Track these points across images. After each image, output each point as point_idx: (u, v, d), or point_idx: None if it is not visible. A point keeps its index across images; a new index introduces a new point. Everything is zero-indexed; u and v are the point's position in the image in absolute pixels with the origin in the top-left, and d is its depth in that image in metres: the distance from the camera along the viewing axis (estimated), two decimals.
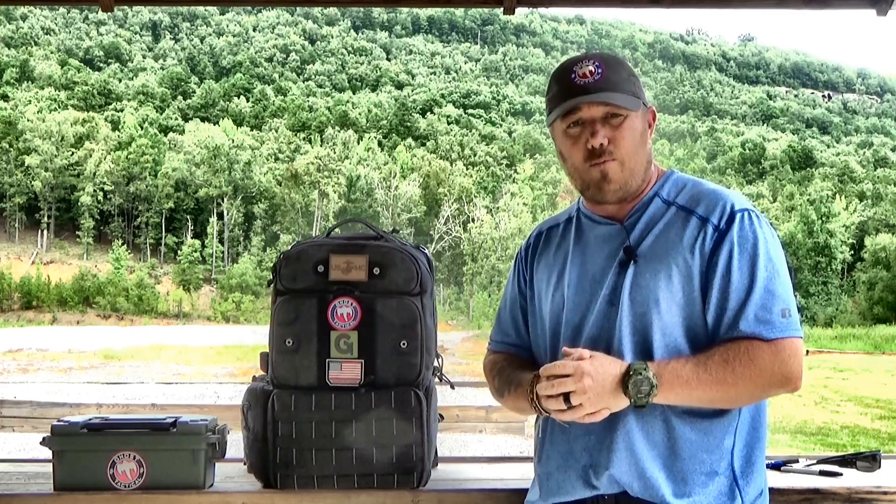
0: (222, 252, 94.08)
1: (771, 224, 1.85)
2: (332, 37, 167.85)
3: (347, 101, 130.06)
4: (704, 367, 1.71)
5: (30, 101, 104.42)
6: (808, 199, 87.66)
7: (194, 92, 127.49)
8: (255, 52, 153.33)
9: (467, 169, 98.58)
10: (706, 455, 1.77)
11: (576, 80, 1.81)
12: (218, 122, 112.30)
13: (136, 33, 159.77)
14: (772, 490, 2.02)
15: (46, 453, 2.24)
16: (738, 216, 1.78)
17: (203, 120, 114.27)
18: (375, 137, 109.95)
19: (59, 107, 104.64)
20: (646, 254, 1.81)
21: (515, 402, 1.92)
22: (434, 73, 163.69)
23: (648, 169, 1.88)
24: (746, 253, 1.76)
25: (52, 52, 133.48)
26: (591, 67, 1.82)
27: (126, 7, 4.44)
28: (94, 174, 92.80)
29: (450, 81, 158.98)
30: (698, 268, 1.77)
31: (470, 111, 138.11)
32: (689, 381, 1.71)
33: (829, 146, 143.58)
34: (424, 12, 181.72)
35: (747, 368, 1.71)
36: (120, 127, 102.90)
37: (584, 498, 1.82)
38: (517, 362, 1.98)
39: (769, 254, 1.77)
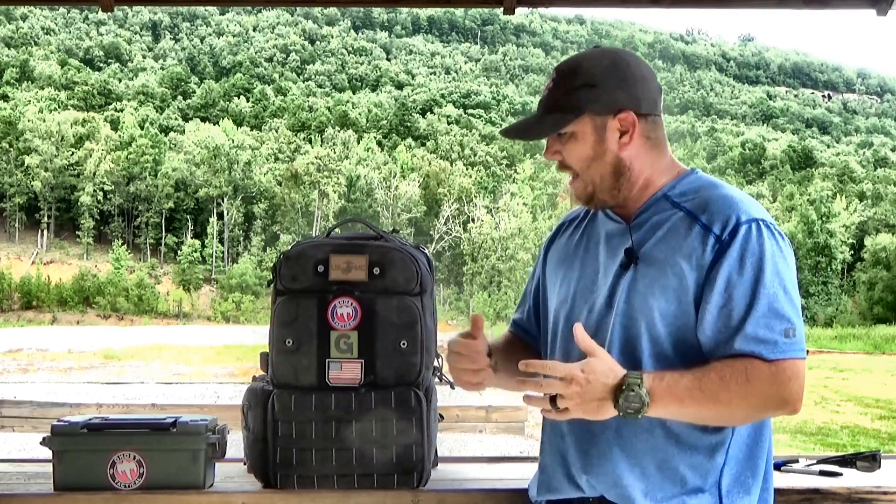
0: (222, 252, 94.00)
1: (783, 235, 1.75)
2: (332, 37, 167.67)
3: (347, 101, 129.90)
4: (699, 385, 1.65)
5: (30, 101, 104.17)
6: (808, 199, 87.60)
7: (194, 92, 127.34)
8: (255, 52, 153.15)
9: (467, 169, 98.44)
10: (690, 470, 1.73)
11: (543, 92, 1.85)
12: (218, 122, 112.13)
13: (136, 33, 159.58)
14: None
15: (46, 453, 2.24)
16: (744, 227, 1.69)
17: (203, 120, 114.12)
18: (375, 137, 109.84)
19: (59, 107, 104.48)
20: (646, 258, 1.76)
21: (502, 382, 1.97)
22: (434, 73, 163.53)
23: (625, 175, 1.79)
24: (751, 267, 1.67)
25: (52, 52, 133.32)
26: (549, 81, 1.83)
27: (126, 7, 4.45)
28: (94, 174, 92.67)
29: (450, 81, 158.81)
30: (694, 279, 1.70)
31: (470, 111, 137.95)
32: (682, 398, 1.66)
33: (829, 146, 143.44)
34: (424, 12, 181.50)
35: (743, 388, 1.65)
36: (120, 127, 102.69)
37: (570, 497, 1.83)
38: (512, 345, 2.03)
39: (776, 268, 1.68)
